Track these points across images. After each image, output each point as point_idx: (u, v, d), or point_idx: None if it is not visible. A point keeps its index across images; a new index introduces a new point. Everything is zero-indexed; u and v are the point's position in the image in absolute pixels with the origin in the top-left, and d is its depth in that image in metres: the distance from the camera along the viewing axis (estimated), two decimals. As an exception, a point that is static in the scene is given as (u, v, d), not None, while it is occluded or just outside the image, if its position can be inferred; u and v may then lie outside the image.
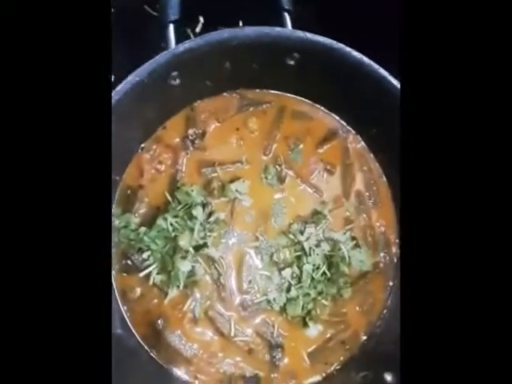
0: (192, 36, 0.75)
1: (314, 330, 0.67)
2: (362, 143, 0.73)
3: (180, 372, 0.64)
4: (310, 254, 0.66)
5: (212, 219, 0.65)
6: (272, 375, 0.65)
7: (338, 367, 0.67)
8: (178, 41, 0.58)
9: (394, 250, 0.71)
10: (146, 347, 0.64)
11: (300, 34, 0.58)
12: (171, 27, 0.58)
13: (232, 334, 0.64)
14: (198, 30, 0.76)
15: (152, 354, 0.64)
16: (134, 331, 0.64)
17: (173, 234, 0.62)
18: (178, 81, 0.60)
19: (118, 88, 0.54)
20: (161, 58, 0.54)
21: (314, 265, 0.65)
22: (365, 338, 0.68)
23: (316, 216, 0.69)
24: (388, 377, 0.61)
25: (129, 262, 0.64)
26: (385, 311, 0.69)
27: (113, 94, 0.53)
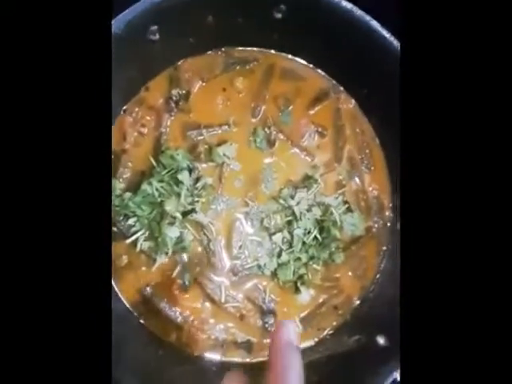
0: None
1: (306, 295, 0.66)
2: (354, 103, 0.70)
3: (170, 339, 0.63)
4: (300, 219, 0.64)
5: (199, 184, 0.63)
6: (264, 341, 0.64)
7: (331, 332, 0.66)
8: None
9: (388, 214, 0.70)
10: (135, 314, 0.63)
11: (286, -18, 0.55)
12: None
13: (223, 300, 0.63)
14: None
15: (141, 321, 0.63)
16: (122, 299, 0.63)
17: (159, 200, 0.61)
18: (157, 36, 0.57)
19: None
20: (138, 6, 0.50)
21: (305, 229, 0.64)
22: (358, 302, 0.68)
23: (307, 181, 0.67)
24: (381, 340, 0.60)
25: (115, 228, 0.62)
26: (378, 276, 0.68)
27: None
